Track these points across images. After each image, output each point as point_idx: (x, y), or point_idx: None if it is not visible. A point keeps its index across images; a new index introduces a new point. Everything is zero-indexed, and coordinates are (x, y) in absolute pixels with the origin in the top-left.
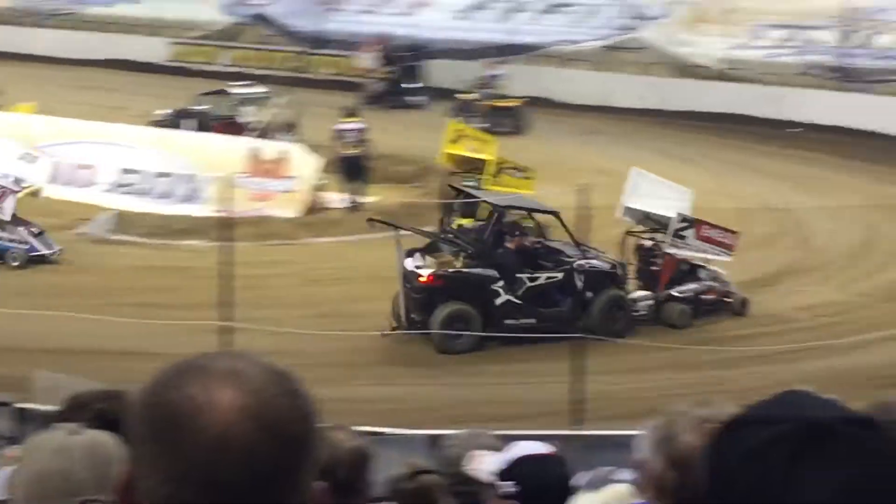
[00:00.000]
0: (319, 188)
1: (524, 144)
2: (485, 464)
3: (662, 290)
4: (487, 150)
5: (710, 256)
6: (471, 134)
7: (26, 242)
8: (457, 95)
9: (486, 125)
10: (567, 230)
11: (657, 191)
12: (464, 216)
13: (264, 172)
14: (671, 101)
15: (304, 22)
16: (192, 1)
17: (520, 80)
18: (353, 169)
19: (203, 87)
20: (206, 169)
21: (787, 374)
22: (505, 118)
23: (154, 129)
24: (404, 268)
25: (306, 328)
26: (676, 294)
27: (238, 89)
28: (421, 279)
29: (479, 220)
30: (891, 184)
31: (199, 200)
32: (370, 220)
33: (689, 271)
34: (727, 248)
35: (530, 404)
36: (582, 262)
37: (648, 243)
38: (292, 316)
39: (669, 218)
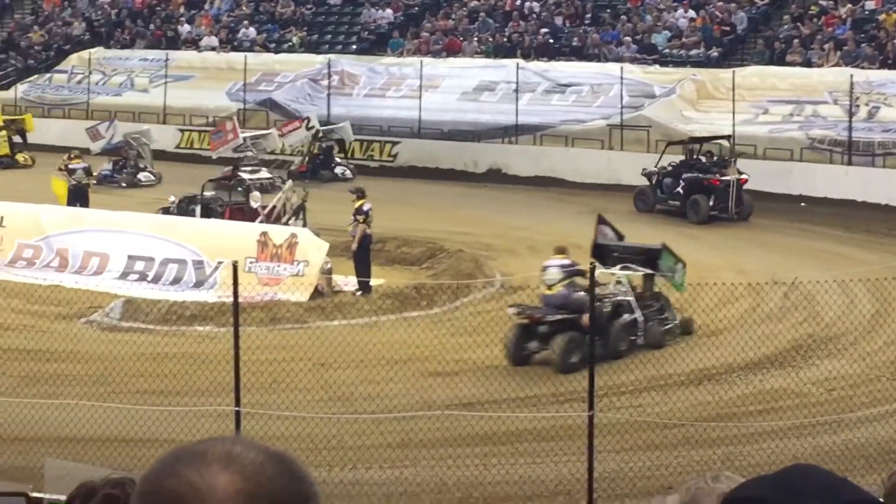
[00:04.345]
0: (328, 272)
1: (530, 224)
2: None
3: None
4: None
5: None
6: None
7: None
8: None
9: None
10: None
11: None
12: None
13: (274, 257)
14: None
15: (311, 106)
16: (199, 88)
17: (526, 160)
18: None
19: (212, 173)
20: (217, 254)
21: (801, 449)
22: None
23: (163, 216)
24: None
25: (317, 412)
26: None
27: (247, 175)
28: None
29: None
30: None
31: (209, 286)
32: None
33: None
34: None
35: (544, 483)
36: None
37: None
38: (303, 400)
39: None
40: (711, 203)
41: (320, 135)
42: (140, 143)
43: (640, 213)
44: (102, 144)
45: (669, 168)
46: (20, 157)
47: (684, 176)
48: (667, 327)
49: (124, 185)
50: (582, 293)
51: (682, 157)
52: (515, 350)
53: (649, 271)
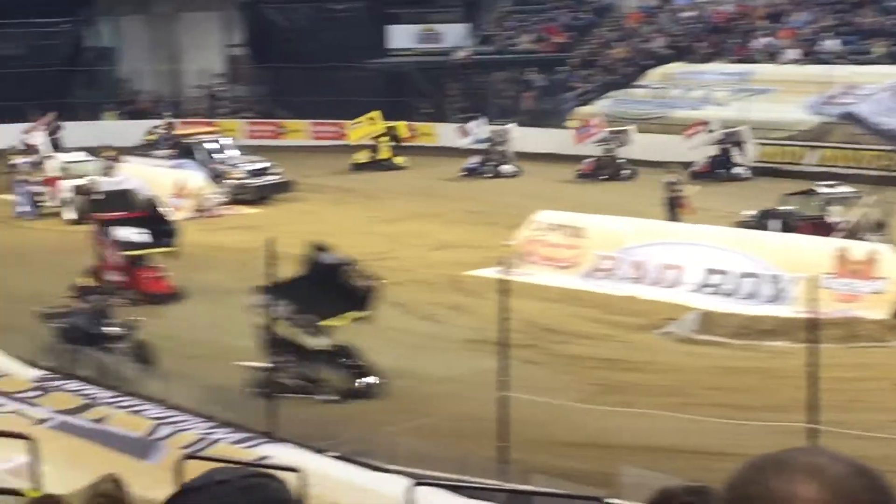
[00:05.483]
0: None
1: None
2: None
3: None
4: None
5: None
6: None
7: None
8: None
9: None
10: None
11: None
12: None
13: (852, 273)
14: None
15: (895, 120)
16: (778, 101)
17: None
18: None
19: (790, 187)
20: (792, 269)
21: None
22: None
23: (740, 230)
24: None
25: (894, 433)
26: None
27: (825, 189)
28: None
29: None
30: None
31: (784, 301)
32: None
33: None
34: None
35: None
36: None
37: None
38: (880, 420)
39: None
40: None
41: (722, 137)
42: (502, 139)
43: None
44: (469, 141)
45: None
46: (398, 160)
47: None
48: None
49: (489, 175)
50: None
51: None
52: None
53: None
